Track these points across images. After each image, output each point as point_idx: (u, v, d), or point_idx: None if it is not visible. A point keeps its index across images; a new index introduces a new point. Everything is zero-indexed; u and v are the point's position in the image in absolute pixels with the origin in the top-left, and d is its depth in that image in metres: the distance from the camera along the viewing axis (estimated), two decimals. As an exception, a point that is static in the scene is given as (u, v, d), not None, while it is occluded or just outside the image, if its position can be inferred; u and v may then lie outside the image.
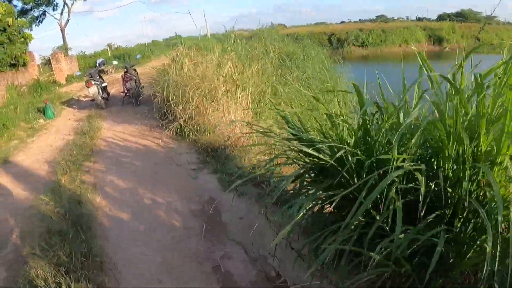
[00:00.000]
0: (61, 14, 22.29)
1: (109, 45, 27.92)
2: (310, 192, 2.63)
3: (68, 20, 22.68)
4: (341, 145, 2.16)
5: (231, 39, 10.44)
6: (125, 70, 9.85)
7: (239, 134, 5.89)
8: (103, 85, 9.95)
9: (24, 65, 12.65)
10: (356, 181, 2.13)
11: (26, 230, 3.70)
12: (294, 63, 9.84)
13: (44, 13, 21.60)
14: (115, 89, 12.03)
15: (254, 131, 3.80)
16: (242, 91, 7.02)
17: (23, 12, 20.22)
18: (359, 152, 2.15)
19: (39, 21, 21.11)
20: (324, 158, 2.30)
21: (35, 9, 20.97)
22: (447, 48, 31.15)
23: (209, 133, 6.55)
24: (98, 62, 10.66)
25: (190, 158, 5.62)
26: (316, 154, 2.33)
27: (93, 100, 9.71)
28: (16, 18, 12.66)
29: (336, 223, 2.10)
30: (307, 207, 2.21)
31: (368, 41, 36.24)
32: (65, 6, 22.31)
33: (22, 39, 12.37)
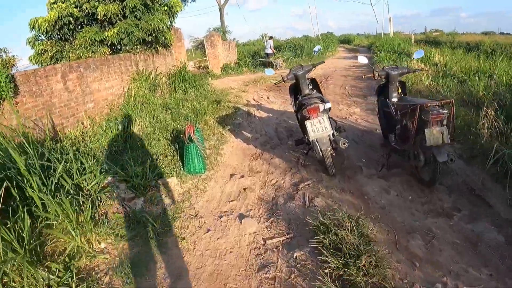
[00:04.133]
0: (221, -10, 17.94)
1: (263, 35, 23.02)
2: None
3: (228, -2, 18.16)
4: None
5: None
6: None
7: None
8: (327, 106, 3.22)
9: (166, 45, 7.45)
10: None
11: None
12: None
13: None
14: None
15: None
16: None
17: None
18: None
19: (193, -3, 16.60)
20: None
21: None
22: None
23: None
24: (315, 50, 3.88)
25: None
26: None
27: (306, 143, 3.25)
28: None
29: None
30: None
31: None
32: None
33: (166, 8, 7.12)
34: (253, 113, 5.55)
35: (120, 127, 4.19)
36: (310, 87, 3.60)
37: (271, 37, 12.82)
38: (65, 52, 6.74)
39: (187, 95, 6.77)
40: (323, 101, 2.94)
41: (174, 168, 3.13)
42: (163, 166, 3.11)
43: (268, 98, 6.72)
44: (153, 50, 7.14)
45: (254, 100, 6.65)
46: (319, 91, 3.70)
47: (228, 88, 7.73)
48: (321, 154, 2.88)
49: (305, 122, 2.81)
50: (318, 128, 2.80)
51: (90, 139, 4.01)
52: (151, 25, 6.42)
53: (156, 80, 6.57)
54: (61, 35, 6.87)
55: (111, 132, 3.99)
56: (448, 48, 13.21)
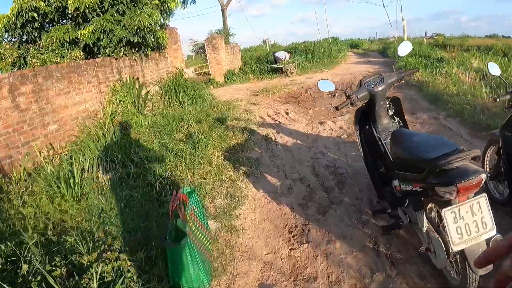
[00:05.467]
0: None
1: (265, 41, 21.54)
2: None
3: (230, -2, 16.62)
4: None
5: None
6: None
7: None
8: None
9: (158, 48, 5.91)
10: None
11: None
12: None
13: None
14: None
15: None
16: None
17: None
18: None
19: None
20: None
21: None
22: None
23: None
24: (403, 48, 2.17)
25: None
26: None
27: (401, 224, 1.72)
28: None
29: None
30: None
31: None
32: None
33: (157, 2, 5.57)
34: (273, 138, 4.00)
35: (76, 172, 2.64)
36: (391, 112, 2.07)
37: (289, 52, 11.73)
38: (29, 57, 5.22)
39: (184, 109, 5.24)
40: (476, 159, 1.36)
41: (151, 282, 1.57)
42: (130, 280, 1.56)
43: (287, 114, 5.18)
44: (142, 53, 5.60)
45: (269, 116, 5.11)
46: (403, 120, 2.15)
47: (234, 100, 6.19)
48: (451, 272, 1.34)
49: (443, 211, 1.26)
50: (469, 225, 1.24)
51: (27, 193, 2.47)
52: (136, 21, 4.88)
53: (142, 92, 5.03)
54: (26, 35, 5.35)
55: (58, 185, 2.44)
56: (476, 52, 11.74)
